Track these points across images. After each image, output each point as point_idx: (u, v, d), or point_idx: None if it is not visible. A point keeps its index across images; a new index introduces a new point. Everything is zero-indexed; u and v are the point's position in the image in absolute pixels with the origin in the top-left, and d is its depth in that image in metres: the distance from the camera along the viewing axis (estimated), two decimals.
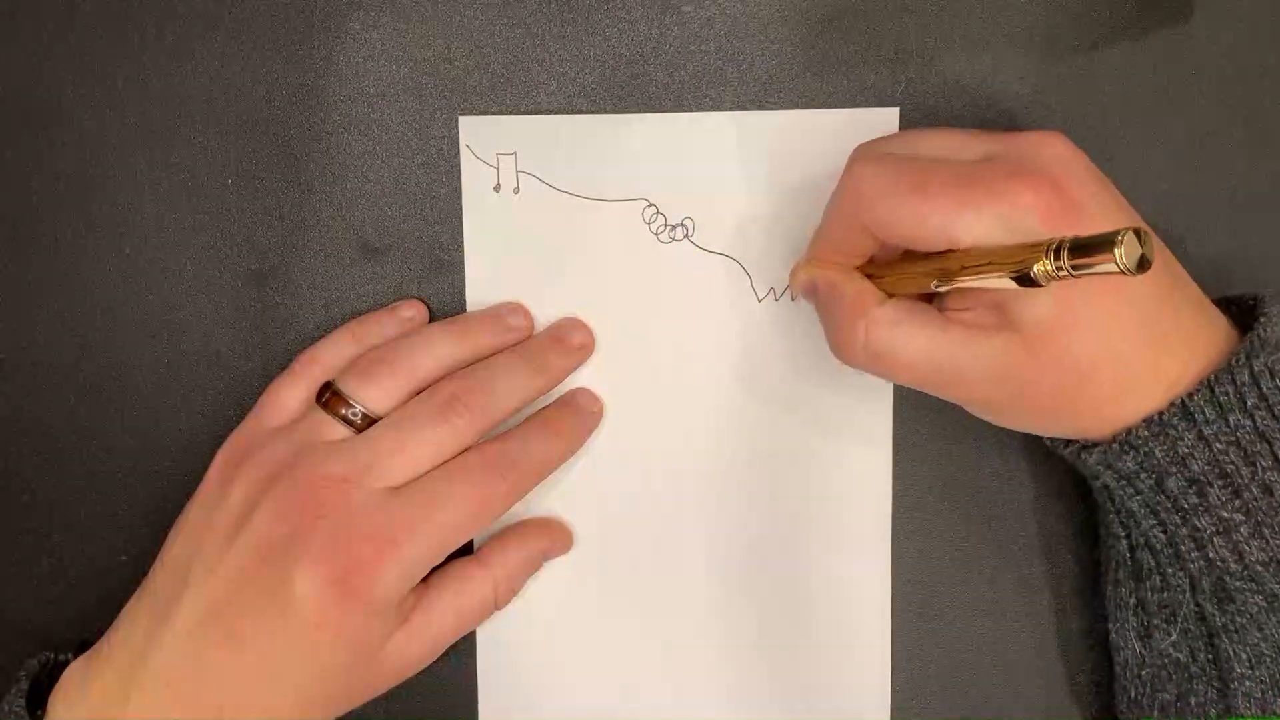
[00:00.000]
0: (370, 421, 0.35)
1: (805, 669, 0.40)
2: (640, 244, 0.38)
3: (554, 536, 0.39)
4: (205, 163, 0.38)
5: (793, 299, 0.38)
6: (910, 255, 0.33)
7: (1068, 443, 0.34)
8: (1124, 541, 0.35)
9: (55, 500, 0.39)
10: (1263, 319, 0.32)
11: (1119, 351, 0.31)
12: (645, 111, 0.38)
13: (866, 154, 0.33)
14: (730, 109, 0.38)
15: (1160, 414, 0.31)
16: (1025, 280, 0.28)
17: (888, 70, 0.38)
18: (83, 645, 0.35)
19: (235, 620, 0.32)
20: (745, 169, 0.38)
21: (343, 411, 0.35)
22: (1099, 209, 0.30)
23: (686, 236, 0.38)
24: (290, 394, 0.36)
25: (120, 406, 0.39)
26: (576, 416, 0.38)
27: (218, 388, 0.39)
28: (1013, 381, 0.32)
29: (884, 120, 0.38)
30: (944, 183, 0.30)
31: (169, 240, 0.38)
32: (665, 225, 0.38)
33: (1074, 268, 0.27)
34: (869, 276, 0.34)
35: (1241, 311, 0.34)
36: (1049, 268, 0.28)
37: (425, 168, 0.38)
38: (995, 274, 0.29)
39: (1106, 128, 0.38)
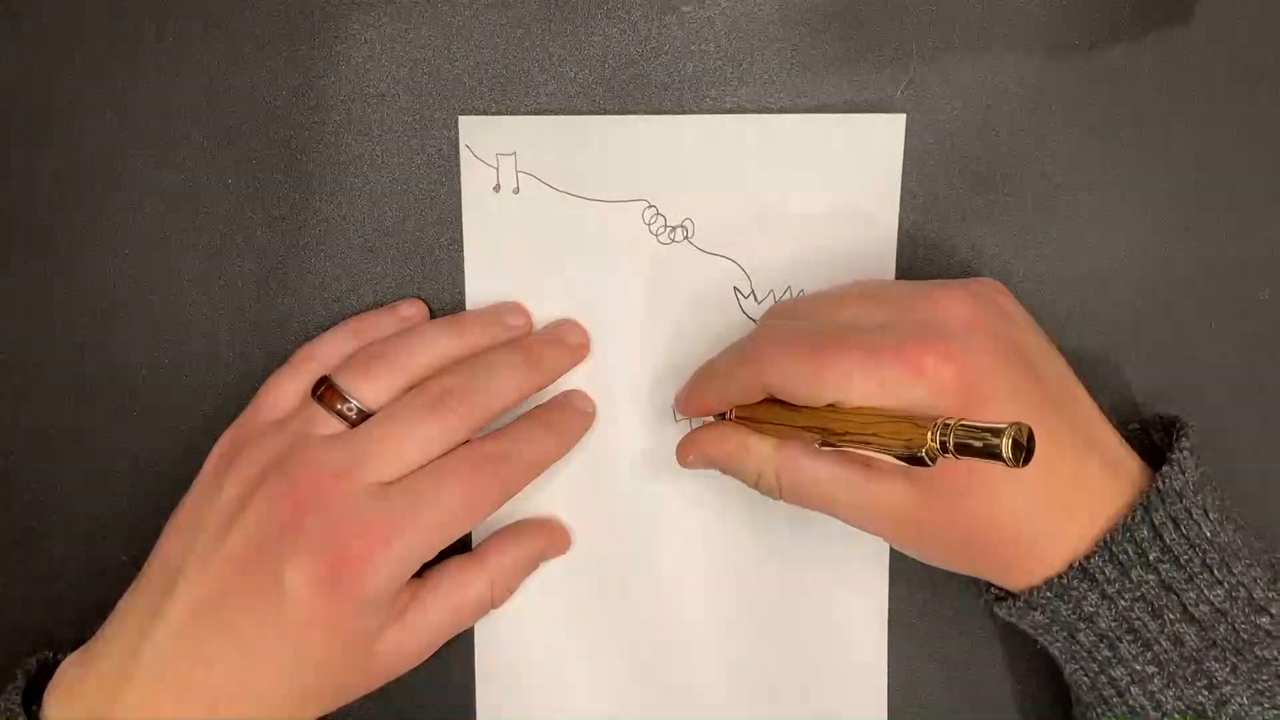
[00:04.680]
0: (365, 417, 0.35)
1: (803, 670, 0.40)
2: (640, 245, 0.38)
3: (552, 536, 0.39)
4: (205, 163, 0.38)
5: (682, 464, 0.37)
6: (792, 407, 0.33)
7: (983, 590, 0.35)
8: (1064, 672, 0.35)
9: (55, 500, 0.39)
10: (1165, 468, 0.32)
11: (1015, 513, 0.31)
12: (645, 112, 0.38)
13: (772, 324, 0.34)
14: (730, 109, 0.38)
15: (1060, 576, 0.31)
16: (912, 460, 0.29)
17: (888, 71, 0.38)
18: (80, 645, 0.35)
19: (228, 614, 0.32)
20: (746, 171, 0.38)
21: (338, 406, 0.35)
22: (990, 389, 0.30)
23: (686, 238, 0.38)
24: (287, 388, 0.36)
25: (120, 406, 0.39)
26: (569, 416, 0.38)
27: (218, 388, 0.39)
28: (911, 526, 0.32)
29: (890, 126, 0.38)
30: (840, 347, 0.31)
31: (169, 240, 0.38)
32: (665, 226, 0.38)
33: (958, 449, 0.27)
34: (744, 419, 0.35)
35: (1164, 427, 0.34)
36: (932, 446, 0.28)
37: (425, 168, 0.38)
38: (880, 449, 0.29)
39: (1106, 128, 0.38)
